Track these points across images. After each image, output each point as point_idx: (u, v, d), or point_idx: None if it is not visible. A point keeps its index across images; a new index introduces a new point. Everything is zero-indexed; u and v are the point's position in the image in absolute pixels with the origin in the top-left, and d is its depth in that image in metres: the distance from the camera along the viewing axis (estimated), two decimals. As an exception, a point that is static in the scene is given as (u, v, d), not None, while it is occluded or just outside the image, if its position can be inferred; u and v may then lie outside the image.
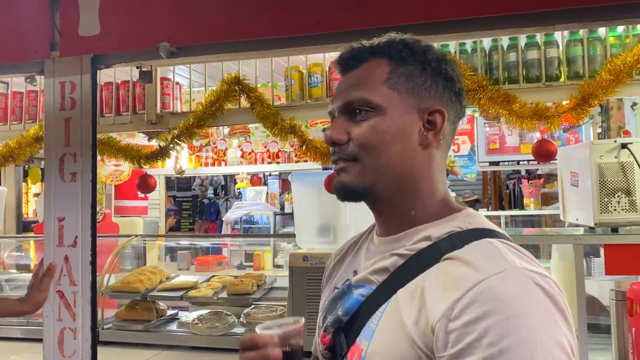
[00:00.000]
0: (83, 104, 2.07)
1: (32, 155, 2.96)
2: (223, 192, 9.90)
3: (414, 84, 0.86)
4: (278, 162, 5.56)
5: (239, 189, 6.81)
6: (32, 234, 4.43)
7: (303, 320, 0.91)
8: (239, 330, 2.99)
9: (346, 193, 0.88)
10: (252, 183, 6.73)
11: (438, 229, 0.84)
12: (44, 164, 5.03)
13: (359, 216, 2.77)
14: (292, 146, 5.61)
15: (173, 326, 3.19)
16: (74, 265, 2.05)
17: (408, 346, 0.75)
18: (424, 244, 0.83)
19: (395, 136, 0.85)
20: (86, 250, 2.04)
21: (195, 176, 9.17)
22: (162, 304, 3.26)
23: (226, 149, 5.69)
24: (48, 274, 2.00)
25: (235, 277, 3.29)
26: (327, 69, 2.64)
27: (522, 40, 2.44)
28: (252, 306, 3.10)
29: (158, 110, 2.77)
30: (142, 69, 2.12)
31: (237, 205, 6.36)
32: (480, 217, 0.87)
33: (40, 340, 2.07)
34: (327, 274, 1.07)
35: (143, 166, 2.70)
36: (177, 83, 2.94)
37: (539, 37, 2.42)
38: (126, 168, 5.20)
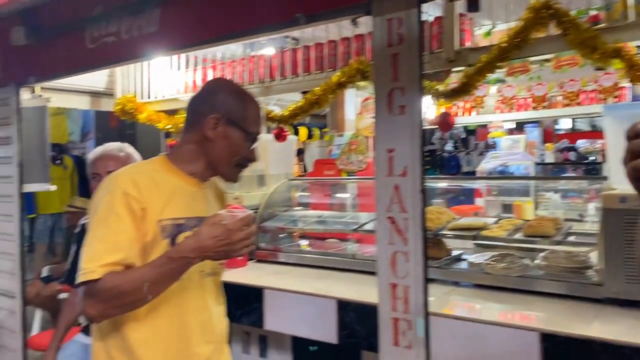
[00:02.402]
0: (410, 39, 2.13)
1: (333, 99, 3.22)
2: (463, 145, 9.71)
3: None
4: (544, 107, 5.17)
5: (493, 138, 6.57)
6: (314, 177, 4.92)
7: None
8: (536, 273, 2.88)
9: None
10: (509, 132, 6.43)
11: None
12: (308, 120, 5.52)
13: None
14: (560, 88, 5.17)
15: (461, 265, 3.23)
16: (404, 193, 2.17)
17: None
18: None
19: None
20: (416, 179, 2.13)
21: (435, 129, 9.14)
22: (448, 244, 3.32)
23: (484, 95, 5.50)
24: None
25: (526, 220, 3.17)
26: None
27: None
28: (549, 250, 2.95)
29: (457, 47, 2.75)
30: (469, -2, 2.09)
31: (492, 155, 6.12)
32: None
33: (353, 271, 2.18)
34: None
35: (446, 103, 2.73)
36: (472, 19, 2.86)
37: None
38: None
